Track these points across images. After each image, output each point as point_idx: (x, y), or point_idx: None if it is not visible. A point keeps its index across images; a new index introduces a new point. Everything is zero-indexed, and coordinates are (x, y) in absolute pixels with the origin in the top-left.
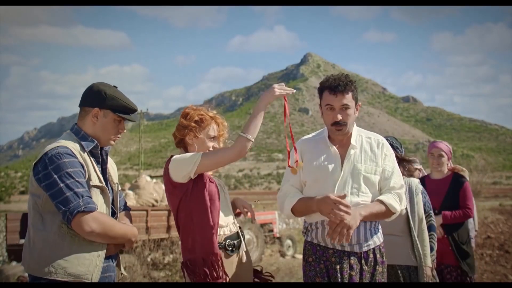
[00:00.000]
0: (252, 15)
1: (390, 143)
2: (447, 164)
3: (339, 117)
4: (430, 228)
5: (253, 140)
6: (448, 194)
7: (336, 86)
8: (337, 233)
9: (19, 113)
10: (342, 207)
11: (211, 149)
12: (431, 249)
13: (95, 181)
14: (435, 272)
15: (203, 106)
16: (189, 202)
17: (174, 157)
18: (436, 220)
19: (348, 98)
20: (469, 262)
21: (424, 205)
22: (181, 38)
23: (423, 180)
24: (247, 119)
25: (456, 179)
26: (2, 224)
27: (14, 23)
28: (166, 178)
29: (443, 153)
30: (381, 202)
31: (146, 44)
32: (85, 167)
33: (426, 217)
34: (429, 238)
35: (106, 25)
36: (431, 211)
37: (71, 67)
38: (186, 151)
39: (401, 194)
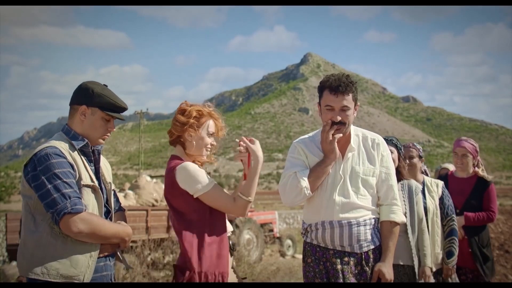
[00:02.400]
0: (252, 15)
1: (395, 144)
2: (474, 163)
3: (338, 118)
4: (452, 232)
5: (252, 200)
6: (471, 195)
7: (337, 86)
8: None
9: (19, 113)
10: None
11: (209, 146)
12: (452, 253)
13: (86, 180)
14: (455, 276)
15: (198, 104)
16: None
17: (183, 166)
18: (458, 221)
19: (348, 100)
20: (489, 265)
21: (447, 208)
22: (181, 38)
23: (446, 178)
24: (245, 182)
25: (481, 179)
26: (2, 224)
27: (14, 23)
28: (171, 181)
29: (468, 154)
30: (394, 222)
31: (146, 44)
32: (75, 167)
33: (448, 221)
34: (450, 243)
35: (106, 25)
36: (454, 215)
37: (71, 67)
38: (184, 148)
39: (399, 200)
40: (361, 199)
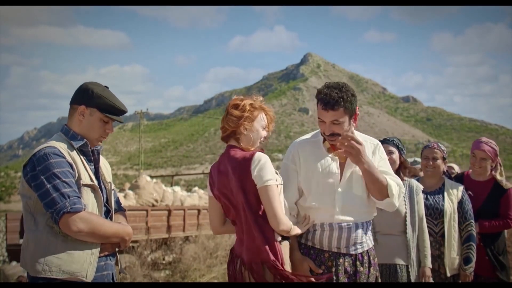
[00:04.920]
0: (252, 15)
1: (396, 144)
2: (492, 166)
3: (328, 131)
4: (469, 238)
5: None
6: (487, 200)
7: (326, 103)
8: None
9: (19, 113)
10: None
11: (262, 139)
12: (470, 260)
13: (85, 179)
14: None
15: (248, 97)
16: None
17: (260, 160)
18: None
19: (338, 114)
20: (505, 273)
21: (466, 213)
22: (181, 38)
23: (462, 178)
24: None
25: (499, 184)
26: (2, 224)
27: (14, 23)
28: (245, 175)
29: (487, 158)
30: (385, 179)
31: (146, 44)
32: (74, 166)
33: (466, 226)
34: (468, 249)
35: (106, 25)
36: (472, 221)
37: (71, 67)
38: (238, 142)
39: (401, 189)
40: (361, 203)
